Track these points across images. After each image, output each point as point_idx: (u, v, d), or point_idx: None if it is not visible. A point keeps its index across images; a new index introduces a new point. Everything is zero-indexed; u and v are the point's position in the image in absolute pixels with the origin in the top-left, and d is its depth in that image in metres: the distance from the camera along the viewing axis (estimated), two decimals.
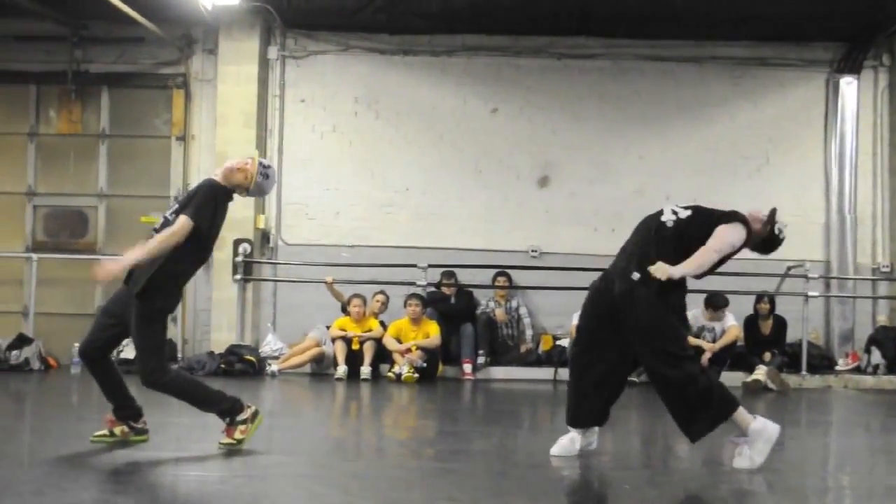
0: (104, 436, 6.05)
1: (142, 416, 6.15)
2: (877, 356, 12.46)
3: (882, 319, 12.97)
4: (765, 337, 12.06)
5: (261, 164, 6.07)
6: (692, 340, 10.53)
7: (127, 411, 6.08)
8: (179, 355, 12.53)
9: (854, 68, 13.00)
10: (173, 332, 12.99)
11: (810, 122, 13.17)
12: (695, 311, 11.34)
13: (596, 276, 12.03)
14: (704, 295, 11.36)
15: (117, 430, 6.06)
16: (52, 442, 5.59)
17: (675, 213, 5.79)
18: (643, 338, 5.59)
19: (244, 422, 5.96)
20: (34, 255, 13.02)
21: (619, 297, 5.64)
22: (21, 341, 12.10)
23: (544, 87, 13.30)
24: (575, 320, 11.97)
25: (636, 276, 5.57)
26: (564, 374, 11.83)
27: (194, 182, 11.53)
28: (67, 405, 9.51)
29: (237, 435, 5.92)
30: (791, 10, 12.09)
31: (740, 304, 11.97)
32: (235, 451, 5.83)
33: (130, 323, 5.83)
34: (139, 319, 5.78)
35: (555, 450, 5.95)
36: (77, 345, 11.18)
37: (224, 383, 10.61)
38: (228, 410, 5.97)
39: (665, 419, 5.93)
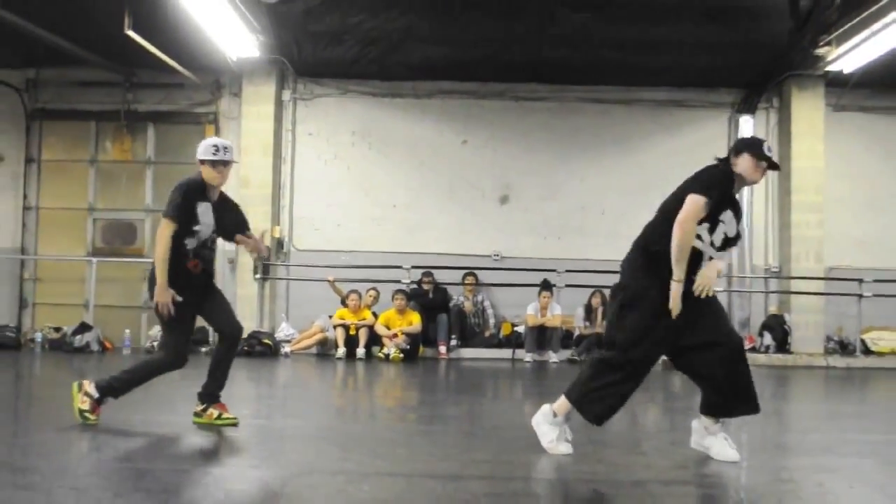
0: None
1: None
2: (768, 338, 12.63)
3: (772, 309, 13.10)
4: None
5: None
6: None
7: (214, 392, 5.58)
8: (211, 339, 12.47)
9: (750, 109, 13.13)
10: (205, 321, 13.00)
11: (716, 152, 12.61)
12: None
13: (545, 275, 12.28)
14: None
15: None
16: (107, 410, 5.59)
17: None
18: (720, 318, 4.77)
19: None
20: (94, 259, 13.02)
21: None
22: (83, 328, 12.08)
23: (505, 124, 13.35)
24: (530, 310, 12.10)
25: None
26: (520, 353, 11.99)
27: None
28: None
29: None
30: (701, 63, 12.22)
31: None
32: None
33: (214, 304, 5.81)
34: (221, 294, 5.96)
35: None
36: (128, 331, 11.39)
37: (247, 362, 10.67)
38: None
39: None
